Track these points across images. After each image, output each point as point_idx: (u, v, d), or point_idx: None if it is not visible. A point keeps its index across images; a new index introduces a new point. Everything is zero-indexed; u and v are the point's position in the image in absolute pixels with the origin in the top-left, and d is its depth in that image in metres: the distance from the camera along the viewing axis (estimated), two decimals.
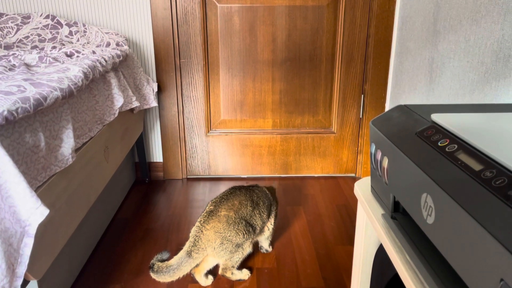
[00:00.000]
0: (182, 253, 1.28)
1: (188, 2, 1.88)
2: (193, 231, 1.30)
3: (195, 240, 1.28)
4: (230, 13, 1.91)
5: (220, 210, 1.31)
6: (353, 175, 2.18)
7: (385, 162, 0.69)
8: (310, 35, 1.95)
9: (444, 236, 0.50)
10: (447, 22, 1.37)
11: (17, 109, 0.85)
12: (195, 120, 2.07)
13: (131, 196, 1.96)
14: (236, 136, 2.10)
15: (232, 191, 1.39)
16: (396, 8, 1.87)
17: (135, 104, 1.63)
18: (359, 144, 2.13)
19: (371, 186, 0.80)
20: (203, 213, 1.34)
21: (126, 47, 1.74)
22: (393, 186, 0.67)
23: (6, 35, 1.75)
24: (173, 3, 1.87)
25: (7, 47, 1.69)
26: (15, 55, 1.37)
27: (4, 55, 1.35)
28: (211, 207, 1.34)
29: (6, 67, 1.20)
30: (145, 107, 1.83)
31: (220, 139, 2.10)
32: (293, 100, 2.05)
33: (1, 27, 1.76)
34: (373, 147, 0.75)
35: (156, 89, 1.91)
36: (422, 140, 0.61)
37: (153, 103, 1.85)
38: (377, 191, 0.77)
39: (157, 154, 2.12)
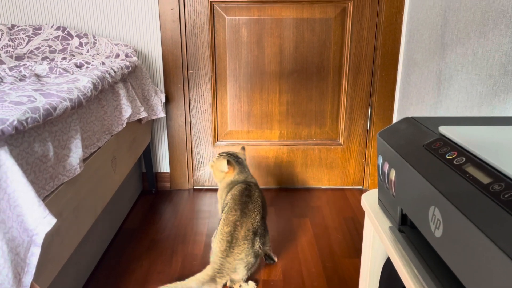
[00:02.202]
0: (205, 277, 1.28)
1: (197, 14, 1.90)
2: (217, 259, 1.30)
3: (220, 268, 1.29)
4: (238, 25, 1.93)
5: (238, 231, 1.31)
6: (360, 187, 2.17)
7: (393, 175, 0.68)
8: (317, 47, 1.96)
9: (452, 250, 0.50)
10: (454, 35, 1.37)
11: (27, 119, 0.86)
12: (202, 131, 2.08)
13: (137, 206, 1.96)
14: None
15: (243, 199, 1.38)
16: (404, 21, 1.88)
17: (143, 114, 1.64)
18: (366, 156, 2.12)
19: (379, 198, 0.80)
20: (221, 236, 1.32)
21: (135, 58, 1.76)
22: (401, 198, 0.66)
23: (18, 46, 1.78)
24: (182, 15, 1.89)
25: (18, 58, 1.71)
26: (26, 66, 1.39)
27: (15, 66, 1.37)
28: (229, 227, 1.32)
29: (17, 78, 1.22)
30: (153, 117, 1.84)
31: (227, 150, 2.10)
32: (300, 112, 2.05)
33: (13, 38, 1.79)
34: (381, 159, 0.74)
35: (164, 100, 1.93)
36: (429, 153, 0.61)
37: (161, 113, 1.87)
38: (385, 203, 0.76)
39: (164, 165, 2.13)
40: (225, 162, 1.46)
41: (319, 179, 2.15)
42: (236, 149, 2.10)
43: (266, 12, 1.91)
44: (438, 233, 0.53)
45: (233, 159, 1.50)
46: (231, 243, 1.30)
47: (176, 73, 1.97)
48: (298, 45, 1.95)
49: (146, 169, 2.07)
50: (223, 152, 1.54)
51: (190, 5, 1.89)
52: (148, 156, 2.03)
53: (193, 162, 2.13)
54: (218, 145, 2.10)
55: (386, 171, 0.72)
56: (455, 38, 1.37)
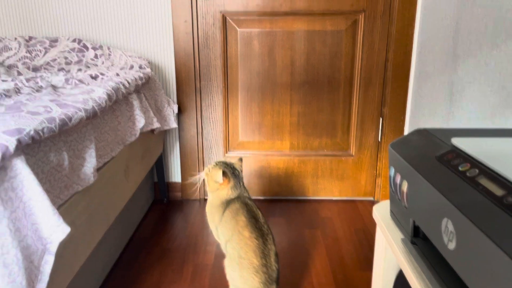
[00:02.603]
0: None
1: (209, 27, 1.93)
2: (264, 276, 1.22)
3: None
4: (250, 37, 1.95)
5: (269, 260, 1.25)
6: (371, 198, 2.16)
7: (405, 186, 0.68)
8: (328, 58, 1.97)
9: (466, 263, 0.49)
10: (466, 47, 1.37)
11: (43, 128, 0.88)
12: (213, 141, 2.09)
13: (149, 216, 1.97)
14: (254, 158, 2.11)
15: (252, 221, 1.29)
16: (415, 32, 1.88)
17: (156, 125, 1.66)
18: (377, 167, 2.11)
19: (390, 210, 0.79)
20: (255, 269, 1.23)
21: (148, 69, 1.79)
22: (413, 210, 0.66)
23: (35, 57, 1.82)
24: (195, 28, 1.92)
25: (35, 69, 1.75)
26: (43, 77, 1.42)
27: (32, 77, 1.40)
28: (259, 258, 1.23)
29: (34, 88, 1.24)
30: (166, 128, 1.86)
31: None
32: (311, 123, 2.06)
33: (30, 50, 1.83)
34: (392, 171, 0.74)
35: (176, 111, 1.95)
36: (442, 164, 0.61)
37: (173, 124, 1.88)
38: (397, 215, 0.76)
39: (175, 174, 2.14)
40: (220, 172, 1.33)
41: (330, 190, 2.14)
42: (249, 159, 2.10)
43: (278, 25, 1.93)
44: (452, 246, 0.53)
45: (229, 171, 1.37)
46: (268, 274, 1.23)
47: (189, 84, 1.99)
48: (309, 56, 1.97)
49: (158, 179, 2.08)
50: (220, 161, 1.42)
51: (203, 17, 1.92)
52: (160, 166, 2.04)
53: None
54: (229, 155, 2.11)
55: (398, 182, 0.71)
56: (467, 50, 1.37)
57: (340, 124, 2.06)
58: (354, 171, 2.11)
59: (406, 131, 2.03)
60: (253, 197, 2.16)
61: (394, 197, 0.75)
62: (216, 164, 1.40)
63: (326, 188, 2.14)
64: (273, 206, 2.07)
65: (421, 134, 0.75)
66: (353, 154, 2.09)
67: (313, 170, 2.12)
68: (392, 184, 0.75)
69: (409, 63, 1.92)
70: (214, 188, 1.36)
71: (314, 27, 1.93)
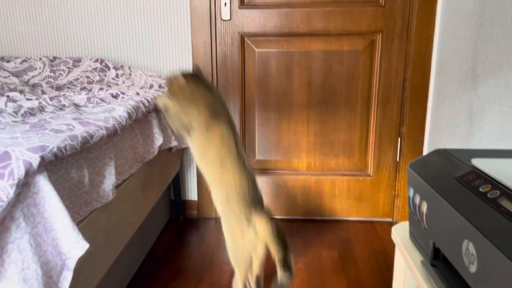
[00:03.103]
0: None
1: (228, 47, 1.96)
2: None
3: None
4: (267, 57, 1.97)
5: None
6: (390, 219, 2.12)
7: (424, 207, 0.67)
8: (345, 78, 1.97)
9: (488, 286, 0.48)
10: (486, 67, 1.36)
11: (65, 146, 0.90)
12: None
13: (165, 233, 1.98)
14: (270, 177, 2.10)
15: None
16: (433, 52, 1.88)
17: (174, 143, 1.68)
18: (396, 188, 2.08)
19: (410, 231, 0.78)
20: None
21: (167, 88, 1.82)
22: (433, 231, 0.65)
23: (58, 77, 1.88)
24: (213, 48, 1.96)
25: (59, 88, 1.80)
26: (66, 96, 1.46)
27: (56, 96, 1.44)
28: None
29: (57, 107, 1.28)
30: (183, 146, 1.88)
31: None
32: (328, 142, 2.05)
33: (54, 70, 1.89)
34: (411, 191, 0.74)
35: None
36: (462, 185, 0.60)
37: None
38: (416, 236, 0.75)
39: (192, 193, 2.15)
40: (179, 76, 1.16)
41: (348, 210, 2.12)
42: (266, 178, 2.10)
43: (295, 45, 1.95)
44: (473, 268, 0.52)
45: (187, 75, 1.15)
46: (237, 190, 1.14)
47: None
48: (327, 76, 1.98)
49: (174, 197, 2.09)
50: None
51: (221, 38, 1.95)
52: (177, 183, 2.06)
53: None
54: None
55: (417, 203, 0.71)
56: (486, 70, 1.36)
57: (358, 143, 2.05)
58: (372, 191, 2.09)
59: (425, 152, 2.00)
60: None
61: (414, 218, 0.74)
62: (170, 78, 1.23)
63: (343, 209, 2.12)
64: (290, 226, 2.05)
65: (441, 154, 0.74)
66: (371, 174, 2.07)
67: (330, 189, 2.10)
68: (411, 205, 0.74)
69: (427, 83, 1.91)
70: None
71: (331, 47, 1.95)
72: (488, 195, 0.55)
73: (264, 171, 2.11)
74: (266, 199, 2.13)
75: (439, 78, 1.80)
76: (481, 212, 0.53)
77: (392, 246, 1.85)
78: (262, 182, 2.11)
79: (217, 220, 2.13)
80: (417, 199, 0.70)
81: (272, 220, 1.11)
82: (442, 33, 1.78)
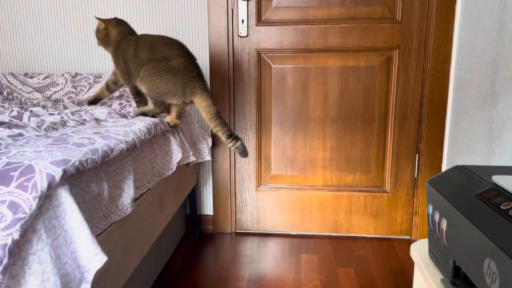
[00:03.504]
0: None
1: (245, 63, 1.99)
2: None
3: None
4: (284, 73, 1.99)
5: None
6: (408, 237, 2.09)
7: (444, 224, 0.67)
8: (362, 94, 1.97)
9: None
10: (506, 83, 1.35)
11: (87, 159, 0.92)
12: (246, 175, 2.11)
13: (181, 248, 1.98)
14: (286, 192, 2.10)
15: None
16: (451, 69, 1.87)
17: (192, 159, 1.69)
18: (414, 205, 2.05)
19: (429, 249, 0.77)
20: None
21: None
22: (453, 249, 0.64)
23: (79, 92, 1.92)
24: (230, 64, 1.99)
25: (80, 103, 1.85)
26: (87, 111, 1.50)
27: (77, 110, 1.48)
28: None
29: (78, 121, 1.31)
30: (200, 160, 1.89)
31: (270, 194, 2.11)
32: (344, 158, 2.04)
33: (76, 85, 1.94)
34: (431, 208, 0.73)
35: (210, 144, 1.99)
36: (483, 202, 0.59)
37: (207, 157, 1.92)
38: (436, 254, 0.73)
39: (208, 207, 2.16)
40: (97, 21, 1.51)
41: (365, 227, 2.09)
42: (281, 193, 2.10)
43: (311, 61, 1.97)
44: None
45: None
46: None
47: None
48: (343, 92, 1.98)
49: (190, 211, 2.10)
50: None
51: (238, 54, 1.98)
52: (193, 198, 2.07)
53: (236, 205, 2.14)
54: (261, 189, 2.11)
55: (436, 220, 0.70)
56: (506, 86, 1.34)
57: (375, 159, 2.03)
58: (389, 208, 2.06)
59: (444, 168, 1.97)
60: (285, 232, 2.14)
61: (433, 235, 0.73)
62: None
63: (360, 225, 2.09)
64: (305, 243, 2.04)
65: (460, 171, 0.73)
66: (388, 190, 2.05)
67: (346, 206, 2.08)
68: (430, 222, 0.73)
69: (445, 99, 1.90)
70: (104, 44, 1.55)
71: (348, 63, 1.95)
72: (510, 213, 0.54)
73: (280, 186, 2.10)
74: (282, 215, 2.12)
75: (458, 95, 1.79)
76: (503, 230, 0.52)
77: (410, 264, 1.81)
78: (278, 197, 2.11)
79: (232, 235, 2.13)
80: (437, 216, 0.70)
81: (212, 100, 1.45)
82: (460, 49, 1.77)
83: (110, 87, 1.67)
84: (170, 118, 1.54)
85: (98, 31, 1.55)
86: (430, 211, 0.73)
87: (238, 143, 1.46)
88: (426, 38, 1.89)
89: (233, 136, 1.45)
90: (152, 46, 1.45)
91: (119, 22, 1.55)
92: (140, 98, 1.58)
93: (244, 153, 1.48)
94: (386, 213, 2.07)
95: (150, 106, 1.49)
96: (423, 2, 1.87)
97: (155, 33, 1.99)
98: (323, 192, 2.08)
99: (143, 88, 1.49)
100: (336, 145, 2.03)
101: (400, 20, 1.89)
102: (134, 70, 1.49)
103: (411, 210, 2.05)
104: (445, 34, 1.85)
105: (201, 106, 1.46)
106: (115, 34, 1.53)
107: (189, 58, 1.46)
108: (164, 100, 1.46)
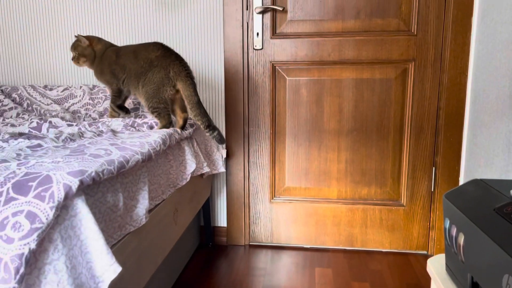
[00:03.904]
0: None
1: (259, 76, 2.00)
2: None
3: None
4: (298, 85, 2.00)
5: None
6: (424, 252, 2.05)
7: (461, 239, 0.65)
8: (377, 106, 1.96)
9: None
10: None
11: (103, 170, 0.93)
12: (260, 186, 2.10)
13: (194, 260, 1.98)
14: (300, 204, 2.09)
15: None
16: (468, 81, 1.85)
17: (206, 169, 1.70)
18: (431, 219, 2.01)
19: (446, 264, 0.76)
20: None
21: None
22: (471, 265, 0.63)
23: (96, 104, 1.96)
24: (245, 76, 2.00)
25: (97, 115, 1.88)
26: (103, 122, 1.52)
27: (94, 122, 1.50)
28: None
29: (95, 133, 1.33)
30: (214, 172, 1.90)
31: (284, 206, 2.10)
32: (359, 170, 2.02)
33: (93, 97, 1.98)
34: (447, 222, 0.71)
35: (225, 155, 1.99)
36: (501, 217, 0.58)
37: (221, 168, 1.92)
38: (453, 270, 0.72)
39: (221, 219, 2.16)
40: (81, 37, 1.66)
41: (380, 241, 2.06)
42: (295, 205, 2.09)
43: (326, 73, 1.97)
44: None
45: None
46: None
47: (237, 130, 2.04)
48: (358, 104, 1.97)
49: (204, 223, 2.10)
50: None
51: (253, 67, 2.00)
52: (207, 209, 2.07)
53: (249, 217, 2.14)
54: (275, 201, 2.10)
55: (454, 235, 0.68)
56: None
57: (390, 172, 2.01)
58: (405, 222, 2.03)
59: (461, 182, 1.94)
60: (298, 245, 2.12)
61: (450, 250, 0.72)
62: (73, 46, 1.69)
63: (375, 239, 2.06)
64: (319, 256, 2.02)
65: (478, 184, 0.72)
66: (404, 204, 2.02)
67: (361, 219, 2.06)
68: (447, 237, 0.72)
69: (462, 112, 1.87)
70: (90, 59, 1.68)
71: (363, 75, 1.95)
72: None
73: (294, 198, 2.09)
74: (295, 227, 2.10)
75: (475, 107, 1.76)
76: None
77: (427, 279, 1.78)
78: (292, 209, 2.09)
79: (245, 247, 2.12)
80: (454, 231, 0.68)
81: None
82: (477, 61, 1.76)
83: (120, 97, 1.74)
84: (178, 121, 1.62)
85: (84, 49, 1.68)
86: (447, 226, 0.71)
87: (215, 132, 1.58)
88: (442, 50, 1.88)
89: (210, 126, 1.57)
90: (135, 55, 1.58)
91: (99, 38, 1.72)
92: (118, 95, 1.70)
93: (220, 140, 1.60)
94: (402, 227, 2.04)
95: (158, 124, 1.58)
96: (439, 14, 1.86)
97: (172, 46, 2.02)
98: (338, 205, 2.06)
99: (142, 101, 1.59)
100: (351, 157, 2.02)
101: (415, 33, 1.89)
102: (122, 74, 1.63)
103: (428, 224, 2.02)
104: (462, 46, 1.83)
105: (184, 94, 1.55)
106: (99, 48, 1.69)
107: (165, 49, 1.57)
108: (159, 100, 1.54)
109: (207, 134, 1.58)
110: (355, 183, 2.04)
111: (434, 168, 1.97)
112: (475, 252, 0.61)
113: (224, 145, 2.08)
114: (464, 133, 1.89)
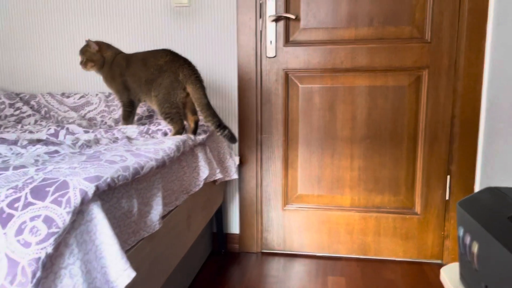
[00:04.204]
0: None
1: (272, 83, 2.01)
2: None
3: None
4: (311, 93, 2.00)
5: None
6: (439, 261, 2.02)
7: (475, 247, 0.65)
8: (390, 113, 1.96)
9: None
10: None
11: (118, 176, 0.95)
12: (272, 194, 2.10)
13: (207, 267, 1.98)
14: (313, 212, 2.08)
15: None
16: (483, 89, 1.83)
17: (219, 176, 1.71)
18: (445, 228, 1.99)
19: (460, 273, 0.75)
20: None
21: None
22: (485, 273, 0.62)
23: (112, 111, 1.99)
24: (258, 84, 2.01)
25: (112, 122, 1.91)
26: (119, 129, 1.55)
27: (110, 129, 1.53)
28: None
29: (110, 140, 1.35)
30: (227, 179, 1.91)
31: (297, 214, 2.09)
32: (373, 178, 2.01)
33: (109, 105, 2.01)
34: (461, 231, 0.71)
35: (237, 162, 2.00)
36: None
37: (234, 175, 1.93)
38: (467, 278, 0.71)
39: (234, 226, 2.16)
40: (90, 42, 1.67)
41: (394, 250, 2.04)
42: (308, 213, 2.08)
43: (339, 81, 1.97)
44: None
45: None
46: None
47: (250, 137, 2.05)
48: (371, 111, 1.97)
49: (217, 230, 2.11)
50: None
51: (266, 74, 2.01)
52: (219, 216, 2.08)
53: (262, 224, 2.14)
54: (288, 208, 2.10)
55: (467, 243, 0.68)
56: None
57: (404, 180, 1.99)
58: (419, 230, 2.01)
59: (477, 190, 1.91)
60: (311, 253, 2.11)
61: (464, 259, 0.71)
62: (82, 50, 1.70)
63: (389, 248, 2.04)
64: (332, 264, 2.00)
65: (492, 192, 0.71)
66: (418, 212, 2.00)
67: (374, 227, 2.04)
68: (461, 245, 0.71)
69: (477, 120, 1.85)
70: (98, 64, 1.69)
71: (376, 82, 1.95)
72: None
73: (307, 206, 2.09)
74: (308, 235, 2.10)
75: (490, 115, 1.74)
76: None
77: None
78: (304, 217, 2.09)
79: (258, 255, 2.11)
80: (468, 239, 0.68)
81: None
82: (492, 69, 1.74)
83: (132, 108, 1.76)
84: (190, 125, 1.64)
85: (93, 54, 1.68)
86: (461, 234, 0.71)
87: (226, 131, 1.57)
88: (457, 58, 1.87)
89: (221, 126, 1.57)
90: (144, 63, 1.60)
91: (108, 44, 1.73)
92: (131, 109, 1.71)
93: (232, 139, 1.59)
94: (416, 235, 2.01)
95: (172, 130, 1.59)
96: (453, 22, 1.85)
97: (186, 54, 2.05)
98: (351, 213, 2.05)
99: (155, 107, 1.61)
100: (364, 165, 2.01)
101: (429, 40, 1.88)
102: (132, 83, 1.65)
103: (443, 233, 1.99)
104: (476, 53, 1.82)
105: (194, 97, 1.55)
106: (109, 55, 1.70)
107: (174, 54, 1.59)
108: (171, 105, 1.56)
109: (218, 134, 1.58)
110: (368, 191, 2.03)
111: (448, 176, 1.95)
112: (490, 261, 0.60)
113: (237, 152, 2.09)
114: (479, 141, 1.87)
